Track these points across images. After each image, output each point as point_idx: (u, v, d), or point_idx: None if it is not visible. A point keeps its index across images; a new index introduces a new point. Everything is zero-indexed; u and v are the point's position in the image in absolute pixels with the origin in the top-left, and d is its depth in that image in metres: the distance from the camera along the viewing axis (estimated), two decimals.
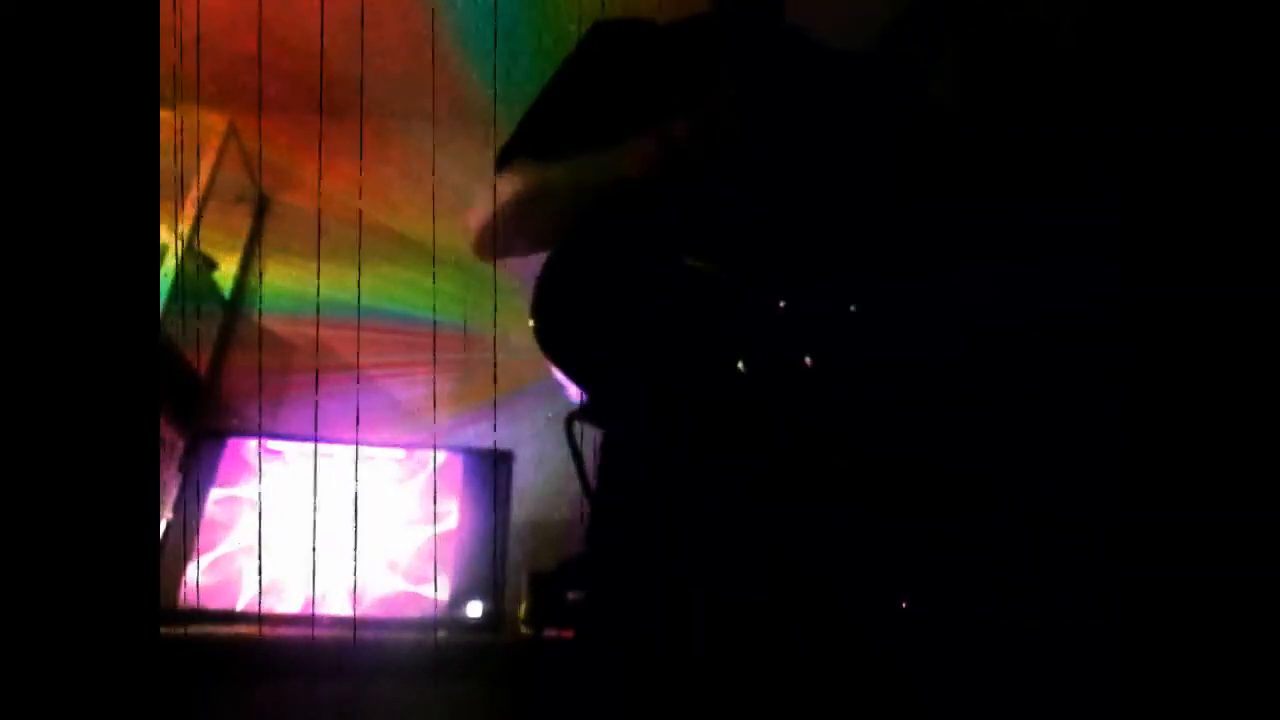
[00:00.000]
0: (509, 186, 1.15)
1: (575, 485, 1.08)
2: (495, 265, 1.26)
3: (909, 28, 1.18)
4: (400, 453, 2.28)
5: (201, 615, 1.95)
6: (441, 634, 2.02)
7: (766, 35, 1.31)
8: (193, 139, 2.45)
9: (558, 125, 1.22)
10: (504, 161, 1.21)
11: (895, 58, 1.19)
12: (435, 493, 2.21)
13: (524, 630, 1.91)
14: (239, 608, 2.00)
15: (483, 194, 1.19)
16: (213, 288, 2.56)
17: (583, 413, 1.04)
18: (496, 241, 1.18)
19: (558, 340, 1.01)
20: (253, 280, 2.68)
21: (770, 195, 1.07)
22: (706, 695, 0.96)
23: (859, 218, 1.06)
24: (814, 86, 1.22)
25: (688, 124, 1.10)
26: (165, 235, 2.27)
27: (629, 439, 1.08)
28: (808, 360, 0.96)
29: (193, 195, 2.37)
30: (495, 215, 1.15)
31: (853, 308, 0.99)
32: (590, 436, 1.08)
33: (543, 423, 2.15)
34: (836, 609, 0.97)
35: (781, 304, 0.98)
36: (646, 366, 0.99)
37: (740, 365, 0.96)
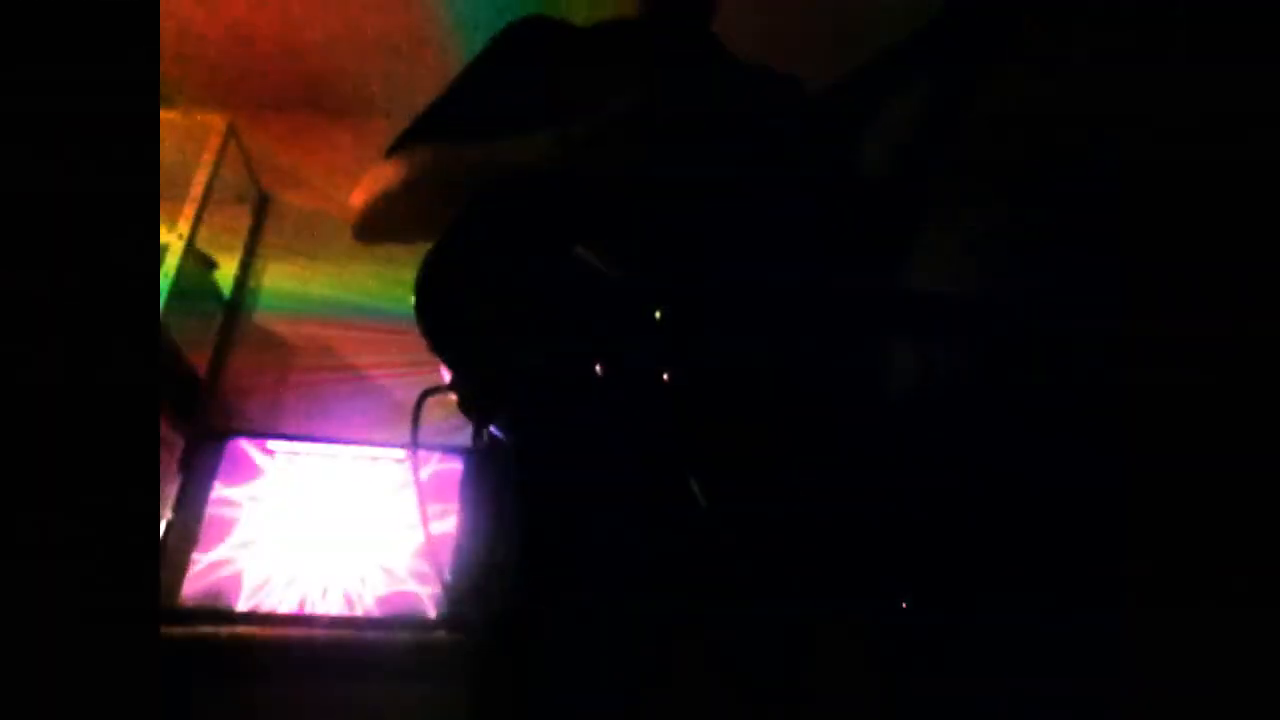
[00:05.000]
0: (401, 170, 1.15)
1: None
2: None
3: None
4: (400, 453, 2.28)
5: (201, 615, 1.95)
6: (440, 634, 2.02)
7: (689, 39, 1.29)
8: (193, 139, 2.45)
9: (457, 115, 1.21)
10: (398, 146, 1.19)
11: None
12: (432, 493, 2.20)
13: None
14: (239, 608, 2.00)
15: (371, 177, 1.18)
16: (213, 288, 2.56)
17: (440, 392, 1.01)
18: (380, 224, 1.17)
19: (435, 321, 0.98)
20: (253, 280, 2.68)
21: (673, 197, 1.05)
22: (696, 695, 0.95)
23: (766, 226, 1.04)
24: (730, 93, 1.20)
25: (588, 121, 1.08)
26: (165, 235, 2.27)
27: (480, 424, 1.05)
28: (665, 376, 0.92)
29: (193, 195, 2.37)
30: (383, 198, 1.15)
31: (732, 322, 0.95)
32: None
33: None
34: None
35: (657, 312, 0.95)
36: (516, 354, 0.96)
37: (597, 368, 0.92)
